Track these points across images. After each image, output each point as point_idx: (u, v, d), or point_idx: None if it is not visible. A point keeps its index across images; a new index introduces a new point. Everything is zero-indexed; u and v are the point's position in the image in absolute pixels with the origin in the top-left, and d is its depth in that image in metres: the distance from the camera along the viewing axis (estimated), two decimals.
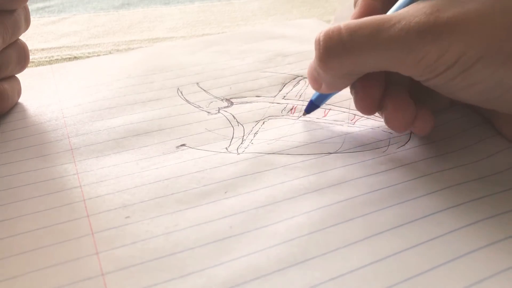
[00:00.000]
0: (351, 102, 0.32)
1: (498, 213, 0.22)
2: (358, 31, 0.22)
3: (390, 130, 0.28)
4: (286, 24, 0.47)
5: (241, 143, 0.28)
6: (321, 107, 0.31)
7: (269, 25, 0.48)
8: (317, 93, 0.29)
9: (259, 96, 0.33)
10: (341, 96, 0.32)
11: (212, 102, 0.32)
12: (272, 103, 0.32)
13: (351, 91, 0.27)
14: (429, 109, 0.26)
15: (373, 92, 0.25)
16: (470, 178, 0.24)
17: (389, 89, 0.26)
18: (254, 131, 0.29)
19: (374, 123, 0.29)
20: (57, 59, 0.41)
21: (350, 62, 0.23)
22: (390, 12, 0.25)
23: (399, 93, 0.25)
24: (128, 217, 0.22)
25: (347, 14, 0.46)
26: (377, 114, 0.27)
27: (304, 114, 0.30)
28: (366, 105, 0.26)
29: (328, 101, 0.32)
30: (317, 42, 0.24)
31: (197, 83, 0.35)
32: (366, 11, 0.26)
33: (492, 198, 0.23)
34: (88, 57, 0.41)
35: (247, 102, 0.32)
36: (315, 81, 0.26)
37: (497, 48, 0.20)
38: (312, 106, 0.29)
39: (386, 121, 0.26)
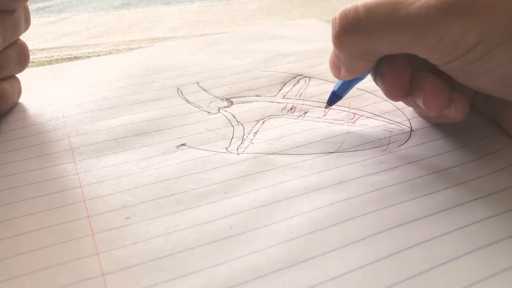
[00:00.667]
0: (351, 101, 0.32)
1: (499, 212, 0.22)
2: (375, 9, 0.22)
3: (391, 129, 0.28)
4: (286, 24, 0.47)
5: (241, 143, 0.28)
6: (321, 106, 0.31)
7: (269, 25, 0.48)
8: (339, 83, 0.28)
9: (259, 96, 0.33)
10: None
11: (212, 101, 0.32)
12: (272, 102, 0.32)
13: (375, 80, 0.26)
14: (461, 93, 0.24)
15: (401, 75, 0.25)
16: (471, 177, 0.24)
17: (420, 73, 0.25)
18: (254, 131, 0.29)
19: (374, 122, 0.29)
20: (57, 59, 0.41)
21: (365, 40, 0.23)
22: None
23: (431, 76, 0.24)
24: (128, 217, 0.22)
25: None
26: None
27: (326, 107, 0.29)
28: (396, 89, 0.25)
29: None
30: (334, 20, 0.23)
31: (197, 83, 0.35)
32: None
33: (493, 197, 0.23)
34: (88, 57, 0.41)
35: (247, 102, 0.32)
36: (335, 66, 0.26)
37: None
38: (334, 97, 0.29)
39: (425, 102, 0.24)
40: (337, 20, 0.23)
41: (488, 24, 0.20)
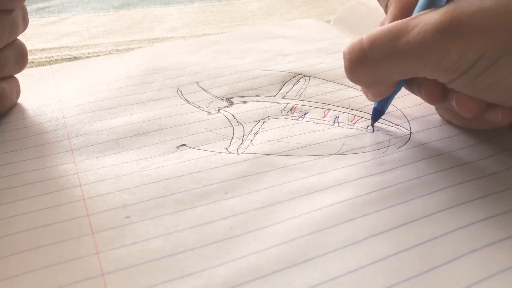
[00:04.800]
0: (350, 102, 0.32)
1: (498, 213, 0.22)
2: (378, 39, 0.23)
3: (390, 131, 0.28)
4: (286, 24, 0.47)
5: (241, 143, 0.28)
6: (321, 107, 0.30)
7: (269, 25, 0.48)
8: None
9: (259, 96, 0.33)
10: (340, 96, 0.32)
11: (212, 102, 0.32)
12: (272, 102, 0.32)
13: (411, 90, 0.27)
14: None
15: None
16: (470, 178, 0.24)
17: None
18: (254, 131, 0.29)
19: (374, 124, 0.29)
20: (57, 59, 0.41)
21: (374, 71, 0.24)
22: (414, 12, 0.24)
23: None
24: (128, 217, 0.22)
25: (349, 15, 0.46)
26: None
27: (372, 124, 0.29)
28: (436, 93, 0.25)
29: (328, 101, 0.32)
30: (344, 55, 0.25)
31: (197, 83, 0.35)
32: (403, 10, 0.25)
33: (492, 198, 0.23)
34: (88, 57, 0.41)
35: (247, 102, 0.32)
36: (363, 91, 0.27)
37: None
38: (377, 113, 0.29)
39: (459, 102, 0.24)
40: (346, 55, 0.24)
41: (489, 39, 0.20)
